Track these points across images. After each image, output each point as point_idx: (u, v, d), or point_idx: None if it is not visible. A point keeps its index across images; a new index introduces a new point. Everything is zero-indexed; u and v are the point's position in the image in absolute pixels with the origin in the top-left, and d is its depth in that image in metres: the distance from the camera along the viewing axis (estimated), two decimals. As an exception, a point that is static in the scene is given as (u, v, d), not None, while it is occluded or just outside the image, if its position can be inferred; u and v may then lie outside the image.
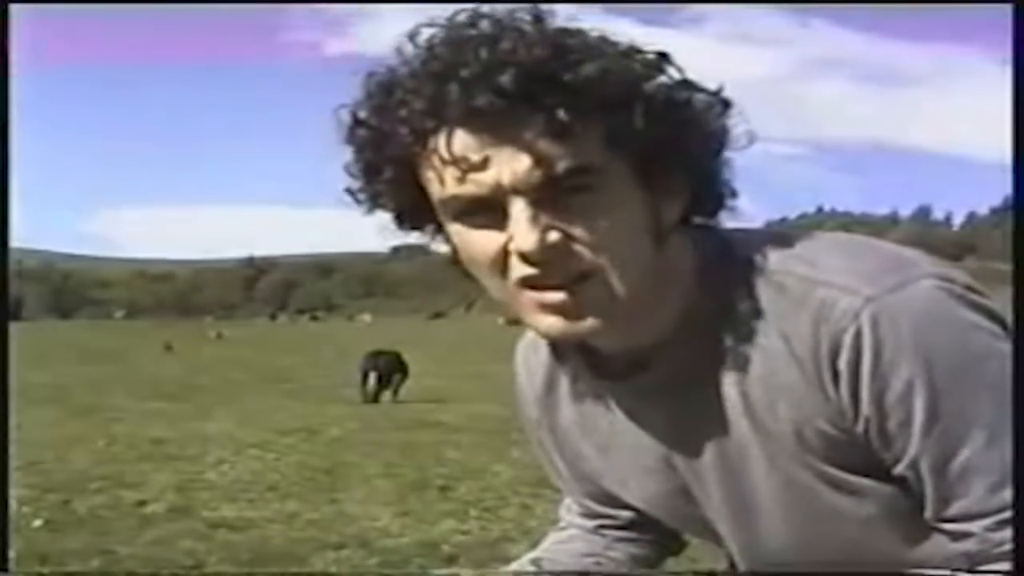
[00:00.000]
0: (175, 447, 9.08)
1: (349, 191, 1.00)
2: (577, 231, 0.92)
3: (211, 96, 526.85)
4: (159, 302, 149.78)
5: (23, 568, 4.59)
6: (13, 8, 1.53)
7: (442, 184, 0.93)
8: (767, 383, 1.00)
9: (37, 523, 5.66)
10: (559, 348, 1.16)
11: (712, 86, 0.97)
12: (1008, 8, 1.26)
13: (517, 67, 0.88)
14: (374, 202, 1.00)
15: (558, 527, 1.34)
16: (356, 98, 0.96)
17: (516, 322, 1.01)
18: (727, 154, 0.99)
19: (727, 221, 1.06)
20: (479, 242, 0.94)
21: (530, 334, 1.21)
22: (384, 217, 1.02)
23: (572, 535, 1.31)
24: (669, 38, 0.95)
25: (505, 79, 0.87)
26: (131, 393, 15.16)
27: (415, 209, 0.98)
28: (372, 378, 14.54)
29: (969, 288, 0.98)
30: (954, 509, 0.98)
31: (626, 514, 1.26)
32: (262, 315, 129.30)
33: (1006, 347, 0.96)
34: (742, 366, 1.01)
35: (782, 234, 1.04)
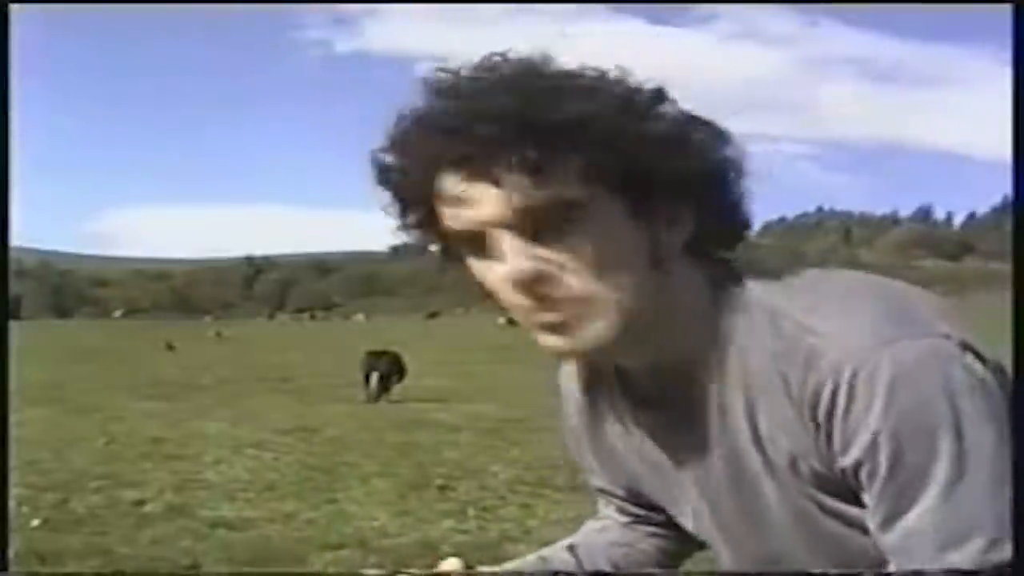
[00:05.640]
0: (173, 446, 9.10)
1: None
2: (564, 260, 0.97)
3: (214, 94, 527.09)
4: (157, 301, 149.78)
5: (22, 567, 4.60)
6: (13, 8, 1.53)
7: (448, 222, 1.00)
8: (769, 417, 1.04)
9: (36, 522, 5.67)
10: (591, 371, 1.22)
11: (717, 121, 1.01)
12: (1008, 8, 1.27)
13: (495, 116, 0.94)
14: (416, 237, 1.07)
15: (596, 516, 1.40)
16: (384, 141, 1.03)
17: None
18: (742, 185, 1.04)
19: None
20: (488, 274, 1.01)
21: None
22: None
23: (606, 525, 1.37)
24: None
25: (481, 128, 0.94)
26: (129, 392, 15.17)
27: (447, 245, 1.05)
28: (374, 378, 14.57)
29: (967, 348, 0.97)
30: (905, 568, 0.98)
31: (660, 516, 1.30)
32: (261, 314, 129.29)
33: (985, 405, 0.95)
34: (750, 400, 1.04)
35: (796, 274, 1.07)
